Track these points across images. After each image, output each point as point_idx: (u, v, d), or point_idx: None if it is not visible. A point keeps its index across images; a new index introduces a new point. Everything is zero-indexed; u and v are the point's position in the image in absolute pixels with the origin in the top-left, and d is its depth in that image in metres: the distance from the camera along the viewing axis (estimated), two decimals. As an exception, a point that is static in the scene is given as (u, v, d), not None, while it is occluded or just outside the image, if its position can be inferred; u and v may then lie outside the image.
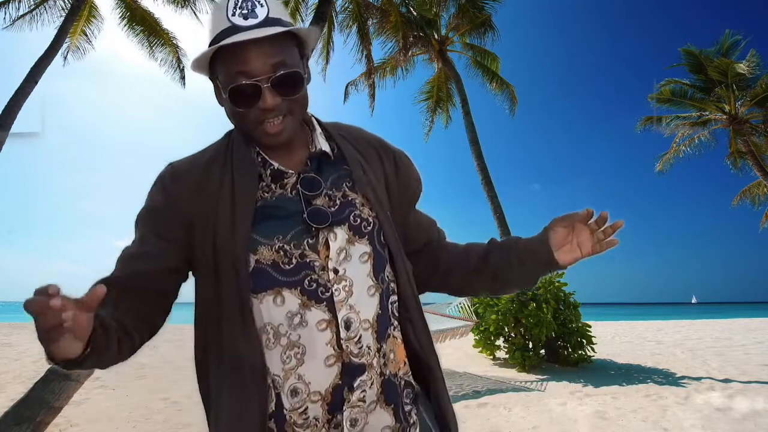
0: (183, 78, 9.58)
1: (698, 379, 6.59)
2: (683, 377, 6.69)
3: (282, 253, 0.83)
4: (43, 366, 4.35)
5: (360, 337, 0.84)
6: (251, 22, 0.82)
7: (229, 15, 0.82)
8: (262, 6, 0.83)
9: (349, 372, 0.82)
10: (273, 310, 0.83)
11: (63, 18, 8.25)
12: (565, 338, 7.89)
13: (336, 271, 0.84)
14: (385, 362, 0.86)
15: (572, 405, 5.10)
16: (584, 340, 7.82)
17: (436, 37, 12.58)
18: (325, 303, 0.83)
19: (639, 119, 14.59)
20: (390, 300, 0.90)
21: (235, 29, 0.81)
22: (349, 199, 0.90)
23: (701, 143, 14.09)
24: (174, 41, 9.43)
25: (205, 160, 0.91)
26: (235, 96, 0.83)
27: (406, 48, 11.94)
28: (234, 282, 0.82)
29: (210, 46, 0.84)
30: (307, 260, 0.83)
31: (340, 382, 0.81)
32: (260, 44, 0.81)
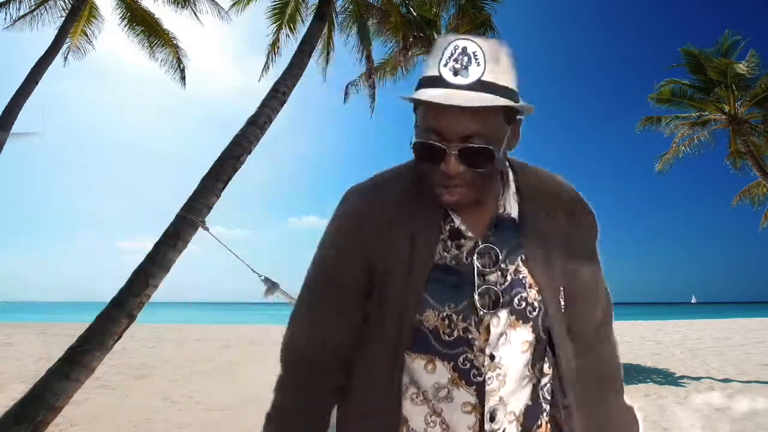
0: (183, 78, 9.57)
1: (698, 378, 6.61)
2: (683, 377, 6.71)
3: (446, 322, 0.79)
4: (43, 366, 4.36)
5: (504, 430, 0.80)
6: (460, 81, 0.74)
7: (441, 64, 0.75)
8: (478, 65, 0.74)
9: None
10: (423, 375, 0.81)
11: (63, 18, 8.25)
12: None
13: (492, 357, 0.79)
14: None
15: (572, 405, 5.11)
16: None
17: (436, 37, 12.60)
18: (475, 387, 0.79)
19: (639, 119, 14.59)
20: (542, 385, 0.85)
21: (440, 82, 0.74)
22: (520, 277, 0.82)
23: (701, 143, 14.09)
24: (174, 41, 9.41)
25: (392, 198, 0.84)
26: (421, 151, 0.78)
27: (406, 48, 11.94)
28: (394, 338, 0.80)
29: (417, 87, 0.78)
30: (469, 337, 0.79)
31: None
32: (460, 109, 0.73)
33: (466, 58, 0.74)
